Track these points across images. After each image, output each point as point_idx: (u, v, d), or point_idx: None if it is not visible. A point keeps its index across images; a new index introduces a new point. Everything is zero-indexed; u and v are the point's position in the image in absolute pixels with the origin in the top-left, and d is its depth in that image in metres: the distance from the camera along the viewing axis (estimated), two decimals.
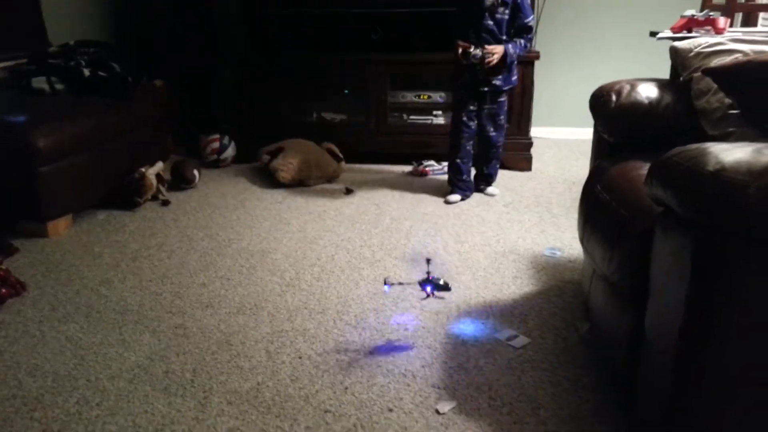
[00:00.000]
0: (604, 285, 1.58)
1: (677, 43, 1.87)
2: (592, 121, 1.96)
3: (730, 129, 1.57)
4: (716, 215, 1.04)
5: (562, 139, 3.94)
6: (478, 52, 2.66)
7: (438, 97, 3.46)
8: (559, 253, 2.31)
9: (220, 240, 2.47)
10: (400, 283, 1.94)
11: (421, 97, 3.50)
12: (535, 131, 3.73)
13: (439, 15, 3.17)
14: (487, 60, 2.67)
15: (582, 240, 1.77)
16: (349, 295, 1.99)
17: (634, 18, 3.72)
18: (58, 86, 2.86)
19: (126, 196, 2.77)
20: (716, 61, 1.70)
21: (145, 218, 2.70)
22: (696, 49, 1.79)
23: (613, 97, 1.85)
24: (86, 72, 2.86)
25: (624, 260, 1.39)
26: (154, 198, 2.86)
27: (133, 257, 2.30)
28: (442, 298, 1.93)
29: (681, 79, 1.84)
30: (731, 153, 1.09)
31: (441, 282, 1.80)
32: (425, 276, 1.80)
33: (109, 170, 2.75)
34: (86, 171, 2.61)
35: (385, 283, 1.85)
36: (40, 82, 2.86)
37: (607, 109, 1.86)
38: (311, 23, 3.59)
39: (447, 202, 2.88)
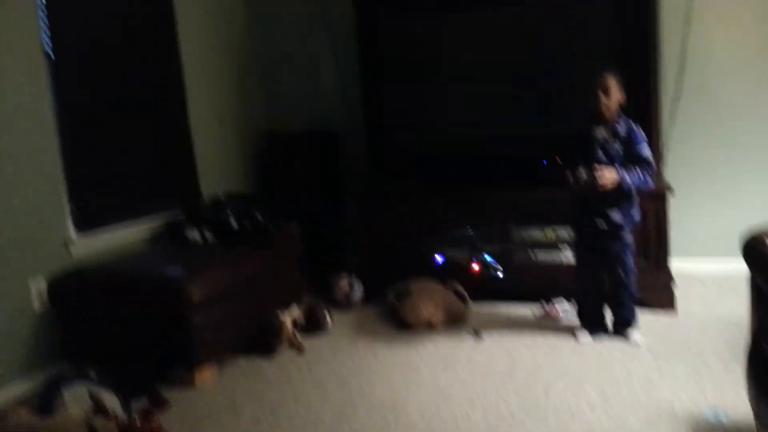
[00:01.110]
0: None
1: None
2: (732, 250, 1.81)
3: None
4: None
5: (706, 273, 3.65)
6: (589, 173, 2.62)
7: (565, 233, 3.39)
8: (724, 419, 2.06)
9: (353, 390, 2.47)
10: None
11: (546, 234, 3.45)
12: (675, 264, 3.51)
13: (557, 151, 3.18)
14: (598, 180, 2.61)
15: (756, 413, 1.58)
16: None
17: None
18: (209, 237, 3.13)
19: (265, 340, 2.88)
20: None
21: (281, 366, 2.77)
22: None
23: None
24: (234, 224, 3.13)
25: None
26: (291, 344, 2.95)
27: (271, 410, 2.35)
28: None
29: None
30: None
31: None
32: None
33: (251, 316, 2.91)
34: (232, 318, 2.77)
35: None
36: (193, 235, 3.15)
37: (765, 259, 1.72)
38: (433, 164, 3.74)
39: (577, 341, 2.79)
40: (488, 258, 1.80)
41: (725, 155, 3.64)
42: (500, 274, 1.75)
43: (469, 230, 3.65)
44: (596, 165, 2.65)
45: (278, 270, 3.21)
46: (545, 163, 3.13)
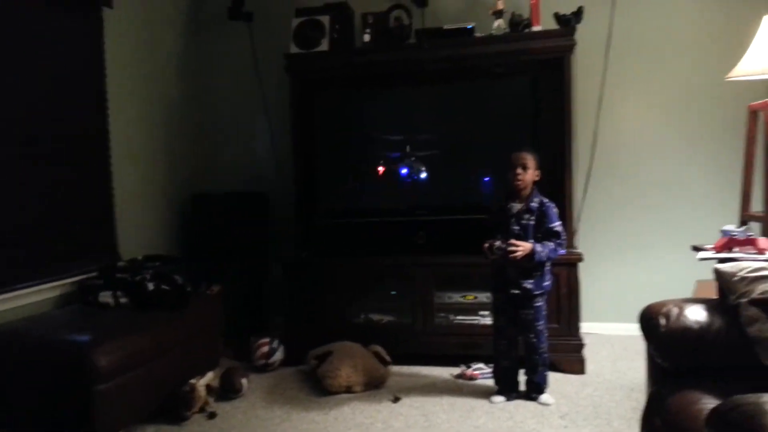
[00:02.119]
0: None
1: (720, 266, 1.89)
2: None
3: None
4: None
5: (615, 335, 3.83)
6: (503, 245, 2.78)
7: (484, 297, 3.49)
8: None
9: None
10: None
11: (467, 297, 3.54)
12: (585, 327, 3.67)
13: (477, 221, 3.32)
14: (510, 251, 2.75)
15: None
16: None
17: (670, 225, 3.81)
18: (123, 300, 3.03)
19: (175, 409, 2.78)
20: (761, 289, 1.69)
21: None
22: (740, 273, 1.81)
23: (662, 321, 1.84)
24: (150, 286, 3.04)
25: None
26: (202, 410, 2.85)
27: None
28: None
29: (729, 302, 1.83)
30: None
31: None
32: None
33: (162, 383, 2.80)
34: (140, 386, 2.65)
35: None
36: (106, 296, 3.04)
37: (658, 333, 1.85)
38: (359, 229, 3.82)
39: (491, 402, 2.89)
40: None
41: (632, 227, 3.91)
42: None
43: (393, 293, 3.73)
44: (512, 239, 2.80)
45: (195, 333, 3.13)
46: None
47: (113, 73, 3.49)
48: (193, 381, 2.83)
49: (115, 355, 2.49)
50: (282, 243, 4.15)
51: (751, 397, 1.16)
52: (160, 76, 4.00)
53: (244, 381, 3.09)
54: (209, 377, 2.93)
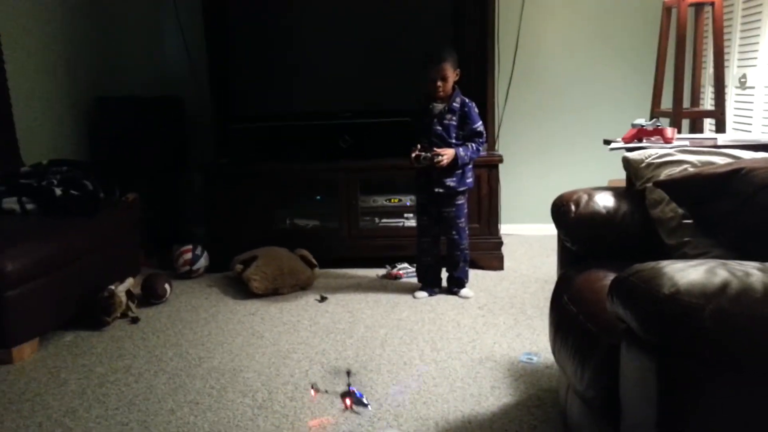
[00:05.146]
0: (578, 398, 1.56)
1: (629, 154, 1.97)
2: None
3: (686, 239, 1.62)
4: (674, 339, 1.06)
5: (533, 236, 4.01)
6: (428, 154, 2.78)
7: (408, 200, 3.54)
8: (535, 359, 2.29)
9: (190, 359, 2.41)
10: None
11: (392, 200, 3.58)
12: (506, 228, 3.83)
13: (401, 123, 3.31)
14: (436, 161, 2.78)
15: (553, 352, 1.77)
16: (324, 415, 1.94)
17: (588, 125, 3.94)
18: (29, 206, 2.86)
19: (95, 315, 2.71)
20: (666, 172, 1.78)
21: (113, 338, 2.63)
22: (647, 160, 1.89)
23: (572, 207, 1.92)
24: (58, 191, 2.88)
25: (594, 376, 1.39)
26: (124, 315, 2.80)
27: (99, 383, 2.22)
28: (357, 413, 1.94)
29: (636, 187, 1.93)
30: (685, 274, 1.13)
31: (363, 399, 1.97)
32: (346, 389, 2.00)
33: (79, 289, 2.71)
34: (55, 292, 2.56)
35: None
36: (10, 203, 2.86)
37: (568, 219, 1.92)
38: (281, 133, 3.73)
39: (414, 297, 2.99)
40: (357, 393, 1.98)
41: (550, 129, 4.01)
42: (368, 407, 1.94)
43: (318, 198, 3.71)
44: (435, 148, 2.81)
45: (110, 241, 3.02)
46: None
47: None
48: (112, 287, 2.75)
49: (23, 260, 2.38)
50: (200, 149, 4.01)
51: (649, 264, 1.23)
52: None
53: (167, 287, 3.04)
54: (129, 283, 2.86)
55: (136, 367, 2.34)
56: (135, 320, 2.79)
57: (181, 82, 4.03)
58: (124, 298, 2.79)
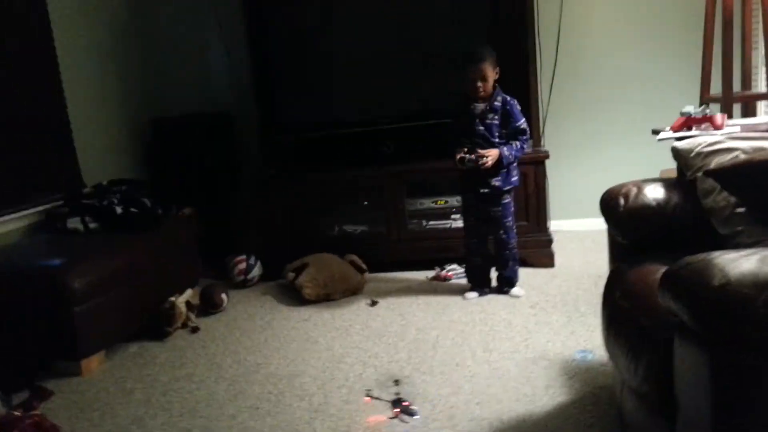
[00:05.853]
0: (633, 394, 1.54)
1: (678, 144, 1.92)
2: None
3: (740, 228, 1.57)
4: (726, 330, 1.04)
5: (583, 231, 3.93)
6: (473, 156, 2.78)
7: (455, 201, 3.52)
8: (590, 356, 2.26)
9: (249, 365, 2.48)
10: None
11: (438, 202, 3.58)
12: (555, 224, 3.76)
13: (443, 125, 3.31)
14: (481, 163, 2.78)
15: (607, 348, 1.75)
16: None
17: (636, 115, 3.84)
18: (92, 225, 3.01)
19: (157, 326, 2.83)
20: (716, 161, 1.73)
21: (175, 348, 2.74)
22: (696, 149, 1.84)
23: (621, 201, 1.89)
24: (119, 210, 3.02)
25: (648, 371, 1.37)
26: (184, 326, 2.91)
27: (163, 391, 2.32)
28: (405, 422, 1.93)
29: (687, 177, 1.88)
30: (736, 264, 1.10)
31: (412, 407, 1.98)
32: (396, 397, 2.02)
33: (142, 302, 2.84)
34: (120, 306, 2.69)
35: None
36: (74, 223, 3.02)
37: (617, 213, 1.90)
38: (325, 142, 3.79)
39: (464, 298, 2.99)
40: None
41: (597, 122, 3.93)
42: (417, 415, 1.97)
43: (365, 203, 3.75)
44: (479, 150, 2.79)
45: (170, 254, 3.14)
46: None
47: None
48: (172, 299, 2.87)
49: (89, 277, 2.51)
50: (248, 161, 4.12)
51: (700, 256, 1.21)
52: None
53: (224, 296, 3.14)
54: (188, 294, 2.97)
55: (197, 375, 2.43)
56: (195, 330, 2.89)
57: (228, 99, 4.15)
58: (184, 309, 2.90)
